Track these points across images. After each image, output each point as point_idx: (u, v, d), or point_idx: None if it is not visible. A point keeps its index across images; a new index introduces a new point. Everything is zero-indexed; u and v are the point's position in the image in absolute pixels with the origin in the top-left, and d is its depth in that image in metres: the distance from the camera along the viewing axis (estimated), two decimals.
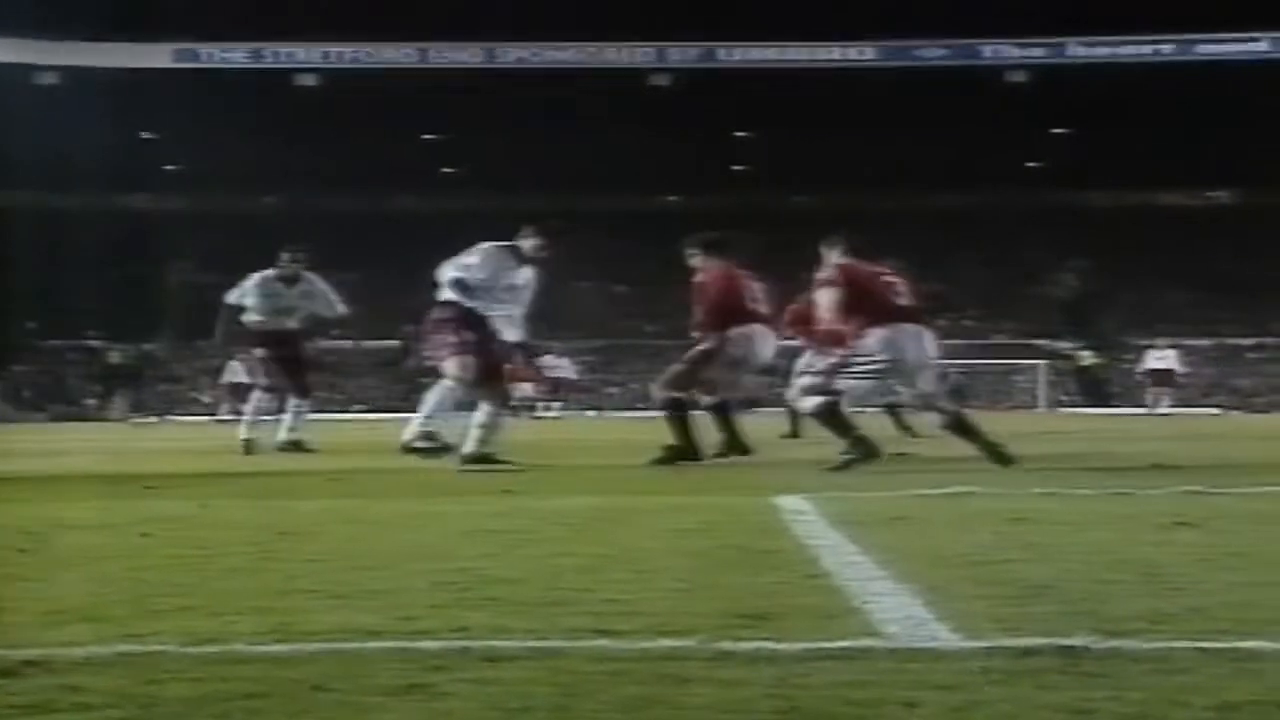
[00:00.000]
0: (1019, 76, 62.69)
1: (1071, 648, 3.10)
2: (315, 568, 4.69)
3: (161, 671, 2.99)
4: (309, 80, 62.23)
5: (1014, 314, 60.22)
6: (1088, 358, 55.14)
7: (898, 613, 3.62)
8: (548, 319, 11.85)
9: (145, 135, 62.87)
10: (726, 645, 3.18)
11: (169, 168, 64.00)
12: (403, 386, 56.77)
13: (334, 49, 62.26)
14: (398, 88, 59.78)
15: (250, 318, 15.18)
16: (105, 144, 57.44)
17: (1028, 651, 3.08)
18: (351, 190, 62.78)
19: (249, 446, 14.46)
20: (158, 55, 61.37)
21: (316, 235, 59.41)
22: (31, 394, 53.66)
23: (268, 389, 15.12)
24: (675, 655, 3.11)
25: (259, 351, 15.27)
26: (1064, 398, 53.06)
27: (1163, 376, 41.06)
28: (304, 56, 62.76)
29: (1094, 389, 53.60)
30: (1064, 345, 56.98)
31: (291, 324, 15.28)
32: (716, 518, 6.33)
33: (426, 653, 3.14)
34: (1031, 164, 65.47)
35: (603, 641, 3.27)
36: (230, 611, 3.74)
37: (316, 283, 15.52)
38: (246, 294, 15.21)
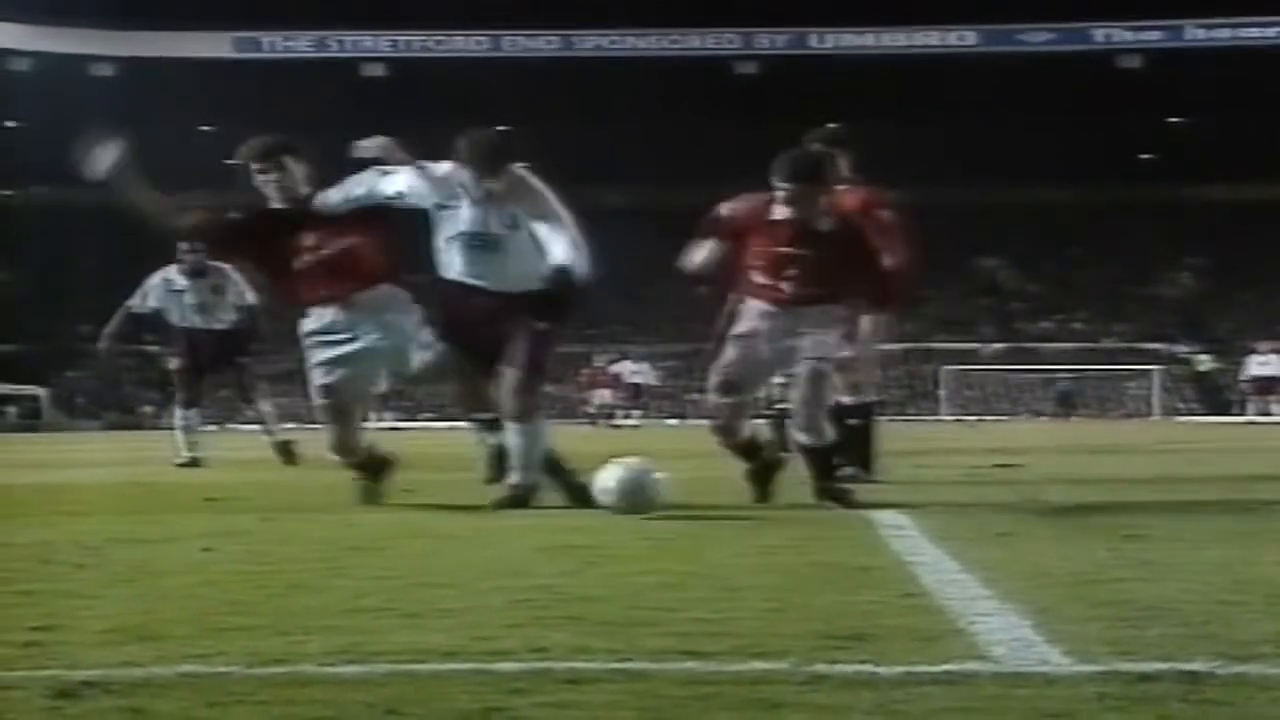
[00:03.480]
0: (1132, 62, 62.24)
1: (1193, 673, 3.07)
2: (385, 585, 4.71)
3: (226, 694, 3.01)
4: (376, 70, 62.69)
5: (1126, 316, 59.74)
6: (1205, 362, 54.62)
7: (1004, 634, 3.60)
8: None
9: (204, 128, 63.47)
10: (821, 668, 3.17)
11: (228, 163, 64.55)
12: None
13: (403, 37, 62.66)
14: (470, 78, 60.06)
15: (166, 320, 14.63)
16: (162, 138, 57.99)
17: (1145, 677, 3.05)
18: None
19: (194, 463, 13.91)
20: (218, 44, 62.02)
21: None
22: (86, 400, 54.28)
23: (186, 404, 14.42)
24: (767, 678, 3.10)
25: (174, 362, 14.70)
26: (1180, 405, 52.57)
27: (1267, 384, 40.84)
28: (371, 45, 63.23)
29: (1212, 396, 53.10)
30: (1180, 349, 56.46)
31: (216, 324, 14.50)
32: (808, 533, 6.32)
33: (504, 675, 3.15)
34: (1145, 155, 64.90)
35: (690, 663, 3.27)
36: (297, 631, 3.77)
37: (228, 271, 14.53)
38: (149, 296, 14.57)
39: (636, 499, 7.25)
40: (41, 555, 5.75)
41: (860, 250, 8.33)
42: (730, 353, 8.29)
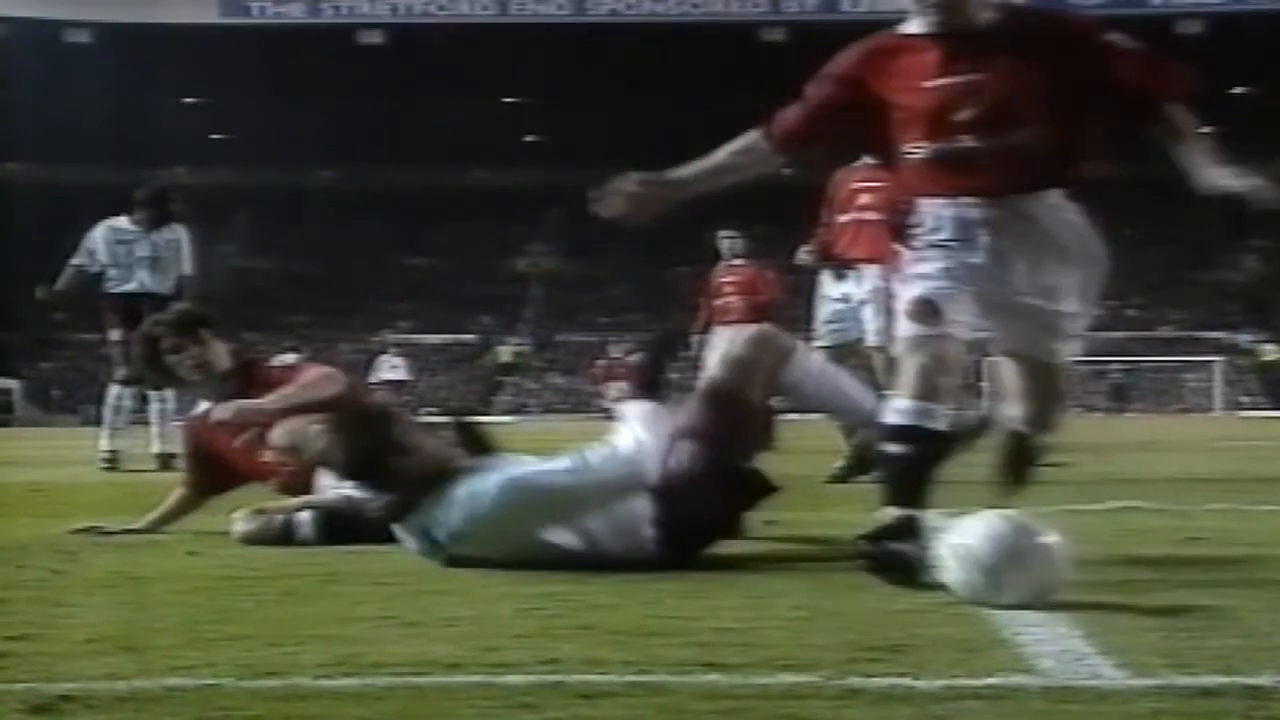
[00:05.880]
0: (1193, 27, 61.95)
1: (1257, 687, 3.07)
2: (385, 591, 4.73)
3: (215, 708, 3.03)
4: (374, 37, 62.56)
5: (1185, 302, 59.61)
6: (1271, 352, 54.55)
7: (1053, 645, 3.61)
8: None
9: (188, 100, 63.51)
10: (855, 681, 3.18)
11: (214, 137, 64.62)
12: (479, 386, 57.09)
13: (403, 1, 62.57)
14: (474, 45, 60.01)
15: (106, 283, 13.77)
16: (142, 110, 58.04)
17: (1205, 691, 3.05)
18: (421, 162, 63.10)
19: (112, 460, 13.42)
20: (202, 9, 61.92)
21: (380, 212, 59.97)
22: (62, 394, 54.41)
23: (123, 381, 13.55)
24: (796, 692, 3.11)
25: (114, 333, 13.57)
26: (1244, 398, 52.46)
27: None
28: (368, 10, 63.11)
29: (1278, 388, 53.00)
30: (1243, 338, 56.36)
31: (160, 287, 13.50)
32: (837, 535, 6.31)
33: (513, 688, 3.16)
34: (1206, 128, 64.70)
35: (713, 676, 3.28)
36: (290, 641, 3.79)
37: (183, 233, 13.95)
38: (97, 251, 13.76)
39: (1020, 582, 4.32)
40: (15, 560, 5.78)
41: (1079, 50, 5.33)
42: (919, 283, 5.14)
